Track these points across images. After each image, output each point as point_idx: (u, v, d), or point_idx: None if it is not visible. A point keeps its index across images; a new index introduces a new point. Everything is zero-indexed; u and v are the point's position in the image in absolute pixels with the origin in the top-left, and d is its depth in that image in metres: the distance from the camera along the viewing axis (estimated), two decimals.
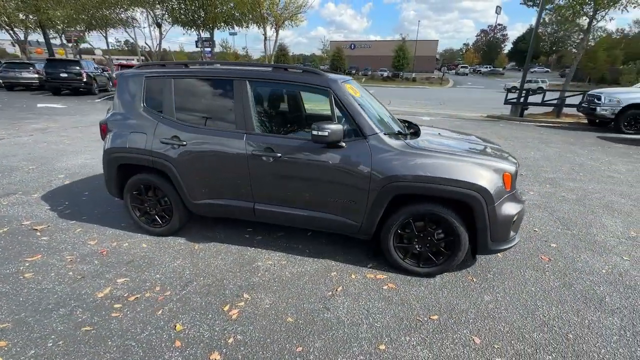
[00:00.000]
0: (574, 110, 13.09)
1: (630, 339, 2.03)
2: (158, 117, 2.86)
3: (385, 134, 2.48)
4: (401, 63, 42.93)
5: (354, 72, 49.14)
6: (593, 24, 14.02)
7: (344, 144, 2.44)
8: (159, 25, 20.23)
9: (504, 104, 14.28)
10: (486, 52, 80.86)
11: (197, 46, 32.22)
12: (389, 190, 2.40)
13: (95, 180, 4.59)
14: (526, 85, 14.65)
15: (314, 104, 3.74)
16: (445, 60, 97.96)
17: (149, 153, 2.84)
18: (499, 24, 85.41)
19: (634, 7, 13.20)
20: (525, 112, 13.79)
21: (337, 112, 2.49)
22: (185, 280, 2.50)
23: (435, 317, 2.18)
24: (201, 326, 2.05)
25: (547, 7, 14.10)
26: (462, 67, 69.68)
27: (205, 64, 3.05)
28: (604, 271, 2.75)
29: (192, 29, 19.89)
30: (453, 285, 2.51)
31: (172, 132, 2.79)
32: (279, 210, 2.74)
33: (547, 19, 67.37)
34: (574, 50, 68.48)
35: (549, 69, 61.01)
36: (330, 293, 2.40)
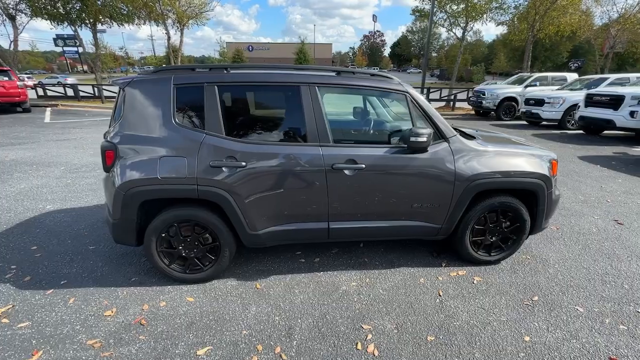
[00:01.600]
0: (461, 104, 16.02)
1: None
2: (200, 135, 2.26)
3: (460, 135, 2.56)
4: None
5: None
6: (466, 32, 17.31)
7: (429, 149, 2.41)
8: (12, 18, 15.72)
9: None
10: (371, 55, 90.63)
11: (56, 44, 25.95)
12: (472, 188, 2.48)
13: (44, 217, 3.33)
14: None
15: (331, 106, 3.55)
16: (335, 63, 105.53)
17: (193, 181, 2.22)
18: (377, 31, 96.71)
19: (489, 21, 16.91)
20: None
21: (414, 116, 2.44)
22: (282, 328, 2.06)
23: (536, 297, 2.38)
24: None
25: (433, 18, 16.55)
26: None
27: (255, 67, 2.53)
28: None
29: (65, 24, 16.10)
30: (519, 266, 2.79)
31: (224, 152, 2.25)
32: (357, 226, 2.52)
33: (414, 28, 79.96)
34: (434, 54, 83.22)
35: (420, 70, 72.36)
36: (437, 300, 2.35)
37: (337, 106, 3.17)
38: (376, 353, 1.88)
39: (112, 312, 2.19)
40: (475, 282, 2.56)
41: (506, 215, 2.68)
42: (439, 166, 2.43)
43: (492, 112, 13.07)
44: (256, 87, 2.38)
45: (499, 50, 46.88)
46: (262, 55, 60.62)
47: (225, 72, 2.34)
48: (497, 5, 16.11)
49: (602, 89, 9.19)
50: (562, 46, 35.07)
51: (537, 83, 12.64)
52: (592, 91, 8.88)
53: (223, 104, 2.29)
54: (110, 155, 2.24)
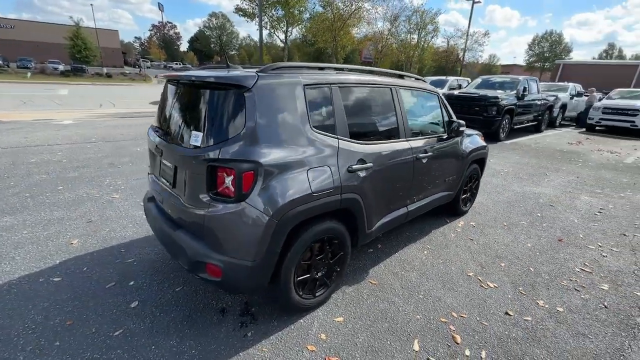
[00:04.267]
0: None
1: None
2: (335, 140, 2.06)
3: None
4: (84, 55, 34.30)
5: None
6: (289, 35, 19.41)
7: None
8: None
9: None
10: (166, 48, 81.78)
11: None
12: (470, 160, 3.53)
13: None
14: None
15: None
16: (126, 54, 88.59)
17: (338, 191, 2.03)
18: (169, 22, 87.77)
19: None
20: None
21: (443, 111, 3.18)
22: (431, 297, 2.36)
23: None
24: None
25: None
26: (153, 61, 66.93)
27: (356, 71, 2.42)
28: None
29: None
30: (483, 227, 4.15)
31: (355, 155, 2.17)
32: (421, 204, 3.02)
33: (210, 25, 78.53)
34: (233, 52, 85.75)
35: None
36: (464, 237, 3.27)
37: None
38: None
39: None
40: (473, 224, 3.67)
41: (476, 177, 3.94)
42: (460, 147, 3.32)
43: None
44: (365, 89, 2.38)
45: (294, 54, 54.30)
46: (4, 37, 42.63)
47: (340, 72, 2.23)
48: (310, 17, 19.10)
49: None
50: (338, 54, 45.24)
51: None
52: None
53: (345, 106, 2.18)
54: (249, 178, 1.69)
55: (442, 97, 3.23)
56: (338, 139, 2.10)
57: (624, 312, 2.33)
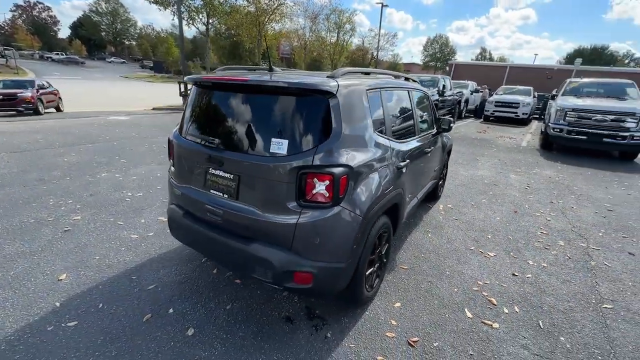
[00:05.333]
0: None
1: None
2: (387, 140, 2.20)
3: None
4: None
5: None
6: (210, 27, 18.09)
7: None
8: None
9: (180, 95, 15.38)
10: (38, 33, 67.07)
11: None
12: (447, 151, 4.09)
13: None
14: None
15: None
16: None
17: (395, 187, 2.20)
18: (39, 2, 71.84)
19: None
20: None
21: (432, 109, 3.59)
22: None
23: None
24: None
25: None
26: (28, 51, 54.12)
27: (386, 74, 2.56)
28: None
29: None
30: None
31: (399, 153, 2.37)
32: (422, 193, 3.39)
33: (99, 9, 67.40)
34: (130, 42, 75.53)
35: (125, 60, 63.49)
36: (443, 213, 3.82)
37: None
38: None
39: None
40: (450, 207, 4.27)
41: (446, 165, 4.54)
42: (443, 140, 3.81)
43: None
44: (396, 91, 2.56)
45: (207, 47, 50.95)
46: None
47: (380, 76, 2.37)
48: (230, 9, 18.14)
49: None
50: (256, 50, 44.15)
51: None
52: None
53: (389, 108, 2.35)
54: (344, 182, 1.73)
55: (430, 98, 3.66)
56: (389, 139, 2.27)
57: (581, 259, 3.11)
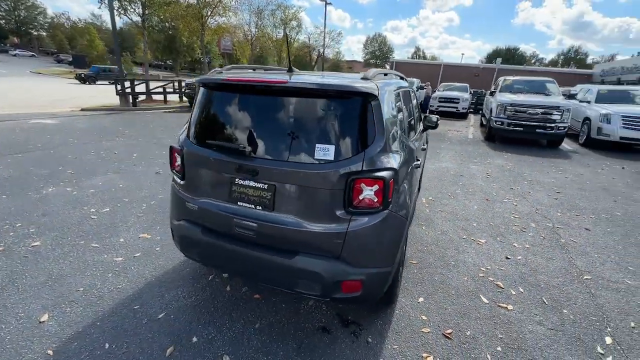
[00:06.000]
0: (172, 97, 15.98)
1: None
2: (407, 139, 2.24)
3: None
4: None
5: None
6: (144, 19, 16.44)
7: None
8: None
9: (117, 94, 13.79)
10: None
11: None
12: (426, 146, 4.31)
13: None
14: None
15: None
16: None
17: (416, 186, 2.24)
18: None
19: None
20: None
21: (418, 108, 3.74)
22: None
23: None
24: None
25: None
26: None
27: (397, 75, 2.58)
28: None
29: None
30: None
31: (414, 152, 2.45)
32: (418, 187, 3.53)
33: None
34: (40, 32, 65.32)
35: (34, 54, 54.59)
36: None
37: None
38: None
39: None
40: (431, 199, 4.51)
41: None
42: (426, 137, 4.00)
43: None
44: (406, 91, 2.59)
45: (138, 39, 46.14)
46: None
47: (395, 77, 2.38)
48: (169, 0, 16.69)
49: None
50: (195, 44, 41.35)
51: None
52: None
53: (404, 108, 2.37)
54: (392, 185, 1.70)
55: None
56: (407, 139, 2.30)
57: (553, 238, 3.53)
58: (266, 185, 1.78)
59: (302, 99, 1.77)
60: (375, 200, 1.68)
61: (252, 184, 1.81)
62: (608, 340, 2.11)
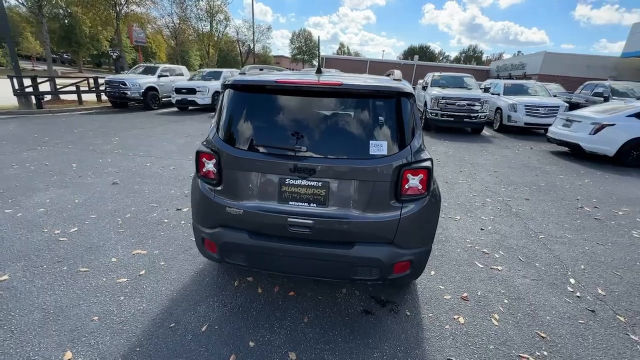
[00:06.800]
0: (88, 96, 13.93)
1: None
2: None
3: None
4: None
5: None
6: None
7: None
8: None
9: (15, 94, 11.47)
10: None
11: None
12: None
13: None
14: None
15: None
16: None
17: None
18: None
19: None
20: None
21: None
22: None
23: None
24: None
25: None
26: None
27: None
28: None
29: None
30: None
31: None
32: None
33: None
34: None
35: None
36: None
37: None
38: None
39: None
40: None
41: None
42: None
43: (135, 103, 13.21)
44: None
45: (25, 30, 38.24)
46: None
47: None
48: None
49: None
50: (101, 35, 36.17)
51: (168, 74, 14.25)
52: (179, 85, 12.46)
53: None
54: (431, 174, 1.94)
55: None
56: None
57: (507, 209, 4.25)
58: (320, 183, 1.86)
59: (353, 100, 1.89)
60: (420, 188, 1.91)
61: (304, 182, 1.87)
62: (572, 280, 2.72)
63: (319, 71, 2.26)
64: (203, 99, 12.75)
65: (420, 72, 36.19)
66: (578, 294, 2.56)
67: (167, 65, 15.00)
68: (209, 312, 2.19)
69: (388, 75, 2.79)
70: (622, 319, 2.30)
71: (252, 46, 33.11)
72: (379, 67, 36.96)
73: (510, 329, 2.17)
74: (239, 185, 1.96)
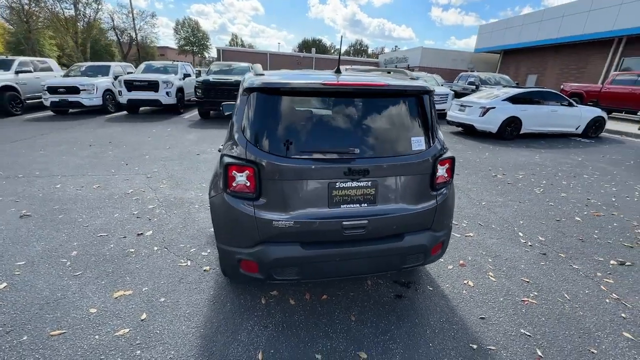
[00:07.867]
0: None
1: None
2: None
3: None
4: None
5: None
6: None
7: None
8: None
9: None
10: None
11: None
12: None
13: None
14: None
15: None
16: None
17: None
18: None
19: None
20: None
21: None
22: None
23: None
24: None
25: None
26: None
27: None
28: None
29: None
30: None
31: None
32: None
33: None
34: None
35: None
36: None
37: None
38: None
39: None
40: None
41: None
42: None
43: None
44: None
45: None
46: None
47: None
48: None
49: (140, 75, 11.03)
50: None
51: (30, 68, 11.19)
52: (130, 77, 10.61)
53: None
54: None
55: None
56: None
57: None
58: (370, 182, 1.89)
59: (390, 99, 1.96)
60: (446, 176, 2.14)
61: (354, 184, 1.87)
62: (520, 234, 3.46)
63: (338, 71, 2.24)
64: (91, 99, 10.54)
65: (318, 64, 37.83)
66: (529, 243, 3.28)
67: (28, 58, 11.79)
68: (254, 338, 1.99)
69: (346, 70, 2.96)
70: (562, 255, 3.07)
71: (134, 35, 28.45)
72: (279, 60, 37.00)
73: (505, 281, 2.65)
74: (286, 196, 1.83)
